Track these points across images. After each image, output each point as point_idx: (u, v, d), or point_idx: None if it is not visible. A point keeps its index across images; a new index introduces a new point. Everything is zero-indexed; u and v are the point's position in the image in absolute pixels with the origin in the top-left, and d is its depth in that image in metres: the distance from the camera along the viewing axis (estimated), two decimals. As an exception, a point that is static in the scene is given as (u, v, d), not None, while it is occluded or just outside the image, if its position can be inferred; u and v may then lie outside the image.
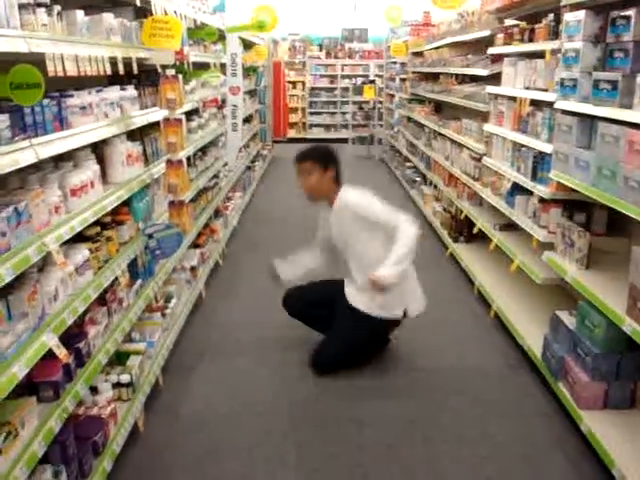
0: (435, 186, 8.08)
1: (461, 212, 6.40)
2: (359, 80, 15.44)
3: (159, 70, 4.06)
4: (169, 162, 4.24)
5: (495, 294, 4.99)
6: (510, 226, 5.17)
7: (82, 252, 2.97)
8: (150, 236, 3.85)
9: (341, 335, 4.09)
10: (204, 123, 6.10)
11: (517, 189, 4.67)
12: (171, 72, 4.09)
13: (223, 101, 7.25)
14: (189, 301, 4.86)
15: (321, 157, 4.02)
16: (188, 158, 5.13)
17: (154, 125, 4.20)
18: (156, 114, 4.15)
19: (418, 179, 9.28)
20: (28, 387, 2.59)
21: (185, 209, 4.37)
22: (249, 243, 7.17)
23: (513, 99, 4.90)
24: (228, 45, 7.16)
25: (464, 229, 6.42)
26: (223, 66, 7.21)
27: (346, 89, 15.99)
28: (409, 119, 10.55)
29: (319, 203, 4.15)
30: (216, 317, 5.01)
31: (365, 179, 11.30)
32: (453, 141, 7.01)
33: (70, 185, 2.89)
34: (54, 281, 2.67)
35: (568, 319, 3.62)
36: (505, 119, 5.07)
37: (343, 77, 16.65)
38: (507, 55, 5.12)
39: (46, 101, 2.62)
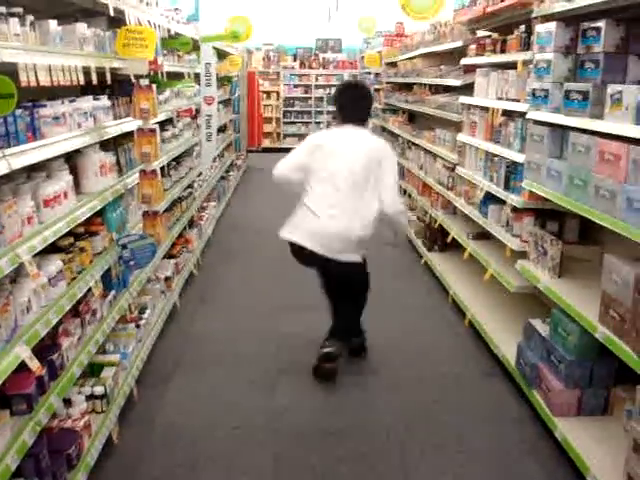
0: (409, 195, 8.13)
1: (435, 221, 6.45)
2: (333, 90, 15.44)
3: (133, 80, 4.03)
4: (143, 172, 4.21)
5: (469, 303, 5.03)
6: (483, 235, 5.21)
7: (55, 263, 2.94)
8: (124, 246, 3.82)
9: None
10: (178, 133, 6.08)
11: (490, 198, 4.71)
12: (145, 82, 4.07)
13: (197, 111, 7.24)
14: (164, 312, 4.83)
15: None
16: (162, 168, 5.11)
17: (128, 135, 4.17)
18: (130, 124, 4.12)
19: (392, 188, 9.28)
20: (1, 400, 2.55)
21: (159, 219, 4.35)
22: (224, 253, 7.14)
23: (486, 109, 4.95)
24: (202, 55, 7.17)
25: (438, 238, 6.46)
26: (197, 76, 7.21)
27: (320, 99, 16.05)
28: (383, 129, 10.60)
29: None
30: (191, 328, 4.98)
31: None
32: (427, 151, 7.06)
33: (43, 196, 2.87)
34: (27, 292, 2.63)
35: (541, 327, 3.65)
36: (478, 129, 5.12)
37: (317, 87, 16.68)
38: (479, 66, 5.18)
39: (19, 111, 2.59)
